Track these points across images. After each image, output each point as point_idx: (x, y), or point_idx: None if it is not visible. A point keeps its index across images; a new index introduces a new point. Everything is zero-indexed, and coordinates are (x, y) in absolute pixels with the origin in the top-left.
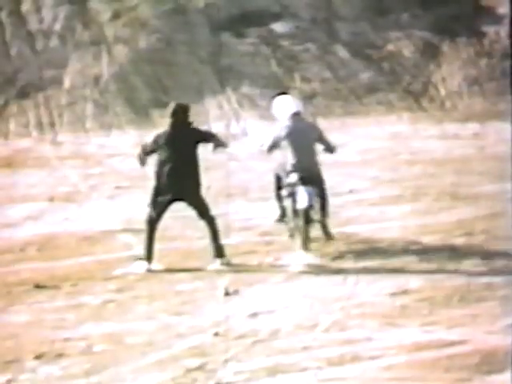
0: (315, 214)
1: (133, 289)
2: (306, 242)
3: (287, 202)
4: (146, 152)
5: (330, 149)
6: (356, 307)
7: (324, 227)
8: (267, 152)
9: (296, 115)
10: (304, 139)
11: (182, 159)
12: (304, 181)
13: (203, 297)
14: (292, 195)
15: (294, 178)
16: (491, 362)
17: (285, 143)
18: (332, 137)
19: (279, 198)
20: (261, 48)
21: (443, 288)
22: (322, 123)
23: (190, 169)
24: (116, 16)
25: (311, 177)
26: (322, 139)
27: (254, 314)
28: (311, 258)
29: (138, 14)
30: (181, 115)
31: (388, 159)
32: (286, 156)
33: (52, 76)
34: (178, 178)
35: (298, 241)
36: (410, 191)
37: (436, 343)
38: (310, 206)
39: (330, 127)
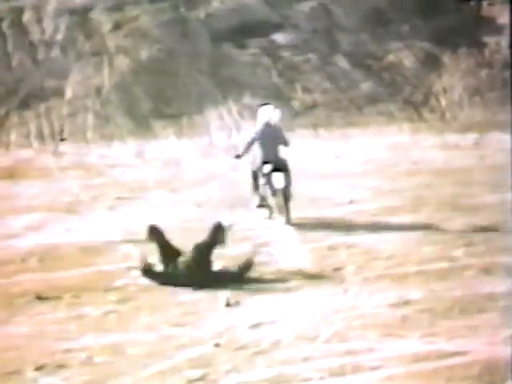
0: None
1: (134, 300)
2: (289, 216)
3: (264, 190)
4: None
5: (285, 143)
6: (357, 318)
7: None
8: (243, 153)
9: (267, 123)
10: (270, 139)
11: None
12: (276, 169)
13: (204, 308)
14: (268, 182)
15: (267, 168)
16: (492, 373)
17: (257, 144)
18: (332, 147)
19: (256, 188)
20: (262, 59)
21: (444, 299)
22: (323, 133)
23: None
24: (117, 27)
25: (279, 166)
26: (281, 138)
27: (256, 325)
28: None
29: (139, 24)
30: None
31: (388, 170)
32: (258, 155)
33: (53, 86)
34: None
35: (282, 219)
36: (411, 202)
37: (436, 354)
38: (286, 187)
39: (330, 137)
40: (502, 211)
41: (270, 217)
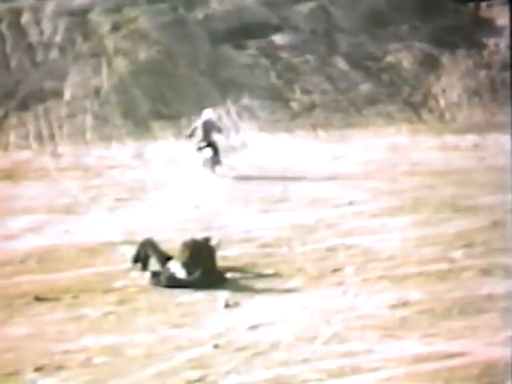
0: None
1: (133, 301)
2: (214, 170)
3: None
4: None
5: (219, 131)
6: (356, 319)
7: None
8: (189, 135)
9: (207, 119)
10: (208, 128)
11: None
12: (207, 145)
13: (203, 309)
14: (201, 151)
15: (203, 144)
16: (491, 373)
17: (199, 131)
18: (331, 148)
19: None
20: (260, 60)
21: (443, 300)
22: (322, 135)
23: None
24: (116, 28)
25: (211, 144)
26: (215, 127)
27: (254, 326)
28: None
29: (137, 25)
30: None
31: (387, 171)
32: (200, 137)
33: (52, 88)
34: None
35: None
36: (410, 203)
37: (436, 355)
38: (211, 157)
39: (329, 139)
40: (501, 212)
41: (205, 165)
